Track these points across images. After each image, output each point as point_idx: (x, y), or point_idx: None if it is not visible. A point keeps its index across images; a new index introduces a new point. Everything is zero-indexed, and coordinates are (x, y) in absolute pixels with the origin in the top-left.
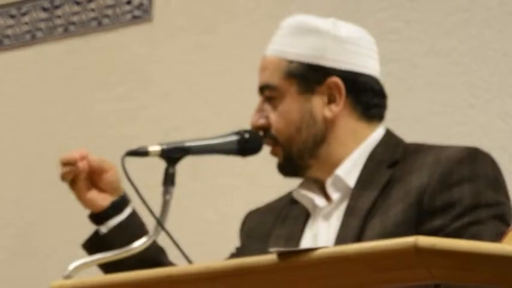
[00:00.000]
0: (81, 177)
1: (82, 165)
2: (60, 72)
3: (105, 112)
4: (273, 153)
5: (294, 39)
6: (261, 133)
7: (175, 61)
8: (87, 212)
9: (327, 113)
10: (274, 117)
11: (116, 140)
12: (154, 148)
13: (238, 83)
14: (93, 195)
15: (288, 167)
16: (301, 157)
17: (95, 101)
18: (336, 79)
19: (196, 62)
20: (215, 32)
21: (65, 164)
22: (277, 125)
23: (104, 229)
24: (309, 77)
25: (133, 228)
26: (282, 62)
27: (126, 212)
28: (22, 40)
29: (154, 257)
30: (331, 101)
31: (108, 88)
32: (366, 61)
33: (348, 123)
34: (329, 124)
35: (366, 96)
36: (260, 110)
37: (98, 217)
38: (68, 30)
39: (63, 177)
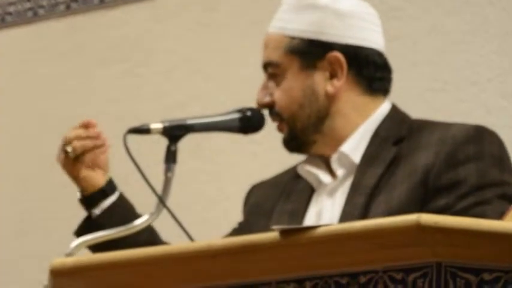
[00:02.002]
0: (92, 152)
1: (102, 140)
2: (62, 49)
3: (107, 89)
4: (279, 129)
5: (294, 15)
6: (263, 111)
7: (178, 38)
8: None
9: (329, 88)
10: (277, 94)
11: (118, 117)
12: (156, 125)
13: (241, 60)
14: (90, 172)
15: (293, 143)
16: (305, 133)
17: (97, 78)
18: (336, 53)
19: (198, 39)
20: (217, 9)
21: (82, 137)
22: (281, 102)
23: (97, 211)
24: (310, 52)
25: (126, 209)
26: (283, 38)
27: (116, 194)
28: (24, 17)
29: (148, 238)
30: (332, 76)
31: (110, 65)
32: (367, 34)
33: (351, 97)
34: (331, 99)
35: (368, 70)
36: (265, 88)
37: (91, 198)
38: (70, 8)
39: (76, 147)
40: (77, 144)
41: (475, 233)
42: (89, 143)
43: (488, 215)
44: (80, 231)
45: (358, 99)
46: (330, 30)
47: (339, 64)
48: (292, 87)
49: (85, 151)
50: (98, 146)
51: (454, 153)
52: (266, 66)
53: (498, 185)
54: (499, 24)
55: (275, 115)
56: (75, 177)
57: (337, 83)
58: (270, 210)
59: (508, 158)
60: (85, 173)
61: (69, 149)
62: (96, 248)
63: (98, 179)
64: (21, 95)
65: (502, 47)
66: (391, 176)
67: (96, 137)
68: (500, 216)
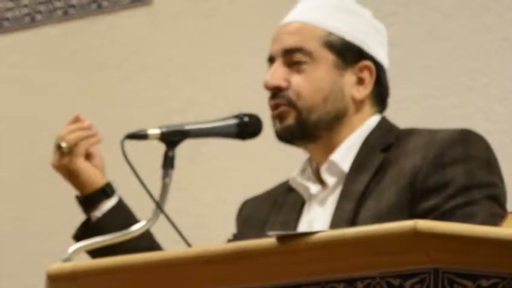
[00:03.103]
0: (86, 145)
1: (94, 131)
2: (59, 55)
3: (104, 95)
4: (282, 114)
5: (336, 14)
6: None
7: (175, 44)
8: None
9: (356, 93)
10: (300, 81)
11: (115, 122)
12: (154, 131)
13: (238, 67)
14: (87, 168)
15: (297, 131)
16: (317, 126)
17: (94, 83)
18: (370, 63)
19: (195, 45)
20: (214, 15)
21: (73, 130)
22: (303, 89)
23: (98, 213)
24: (347, 53)
25: (126, 213)
26: (320, 30)
27: (116, 197)
28: (21, 23)
29: (147, 243)
30: (359, 83)
31: (107, 71)
32: (385, 55)
33: (366, 109)
34: (355, 104)
35: (382, 89)
36: (278, 71)
37: (91, 197)
38: (68, 13)
39: (69, 140)
40: (70, 136)
41: (472, 239)
42: (81, 134)
43: (476, 215)
44: (79, 235)
45: (368, 112)
46: (369, 42)
47: (369, 73)
48: (323, 79)
49: (78, 141)
50: (90, 135)
51: (441, 156)
52: (291, 51)
53: (486, 186)
54: (495, 29)
55: (285, 100)
56: (72, 174)
57: (364, 91)
58: (263, 222)
59: (495, 160)
60: (82, 165)
61: (63, 144)
62: (94, 253)
63: (96, 177)
64: (18, 100)
65: (498, 52)
66: (379, 181)
67: (88, 127)
68: (489, 216)
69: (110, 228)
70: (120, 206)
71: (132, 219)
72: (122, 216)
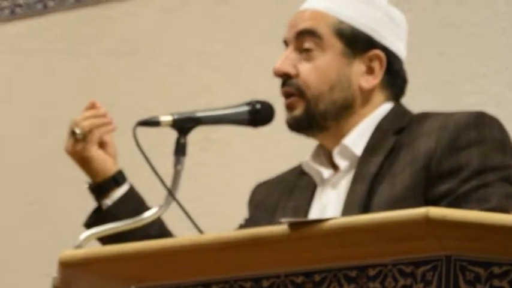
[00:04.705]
0: (101, 132)
1: (109, 118)
2: (71, 41)
3: (116, 82)
4: (291, 104)
5: (348, 2)
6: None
7: (187, 31)
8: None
9: (364, 82)
10: (307, 69)
11: (127, 109)
12: (166, 118)
13: (250, 53)
14: (100, 155)
15: (305, 122)
16: (324, 116)
17: (106, 70)
18: (380, 52)
19: (208, 31)
20: (227, 1)
21: (88, 117)
22: (310, 78)
23: (108, 201)
24: (357, 42)
25: (137, 201)
26: (333, 18)
27: (128, 185)
28: (34, 9)
29: (159, 230)
30: (368, 72)
31: (120, 58)
32: (402, 45)
33: (376, 98)
34: (363, 94)
35: (397, 79)
36: (288, 58)
37: (102, 185)
38: (80, 0)
39: (84, 127)
40: (85, 123)
41: (484, 226)
42: (96, 121)
43: (490, 197)
44: (90, 223)
45: (379, 100)
46: (381, 31)
47: (379, 62)
48: (329, 67)
49: (93, 128)
50: (105, 123)
51: (456, 139)
52: (303, 34)
53: (500, 168)
54: (509, 16)
55: (294, 88)
56: (85, 161)
57: (373, 80)
58: (274, 207)
59: (509, 141)
60: (95, 153)
61: (77, 130)
62: (105, 240)
63: (108, 164)
64: (30, 87)
65: (511, 40)
66: (392, 164)
67: (103, 115)
68: (503, 198)
69: (121, 216)
70: (131, 194)
71: (143, 207)
72: (133, 204)
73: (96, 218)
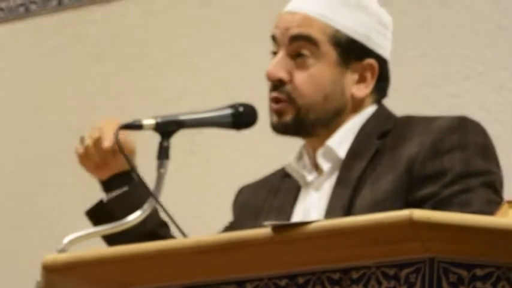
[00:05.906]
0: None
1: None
2: (54, 45)
3: (99, 84)
4: (280, 110)
5: (343, 10)
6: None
7: (171, 33)
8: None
9: (356, 91)
10: (302, 78)
11: (111, 112)
12: (149, 121)
13: (234, 56)
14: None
15: (293, 128)
16: (314, 125)
17: (90, 73)
18: (373, 62)
19: (192, 34)
20: (211, 4)
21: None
22: (304, 87)
23: (107, 197)
24: (351, 52)
25: (134, 201)
26: (329, 27)
27: (131, 185)
28: (16, 13)
29: (153, 230)
30: (360, 80)
31: (103, 61)
32: (388, 47)
33: (366, 104)
34: (353, 101)
35: (385, 83)
36: (280, 63)
37: (107, 183)
38: (62, 3)
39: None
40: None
41: (467, 228)
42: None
43: (472, 202)
44: (90, 213)
45: (367, 105)
46: (375, 39)
47: (371, 72)
48: (324, 77)
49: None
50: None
51: (439, 143)
52: (298, 39)
53: (482, 173)
54: (491, 18)
55: (285, 95)
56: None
57: (365, 89)
58: (259, 209)
59: (492, 147)
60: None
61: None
62: (104, 235)
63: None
64: (13, 90)
65: (494, 41)
66: (375, 168)
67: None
68: (485, 204)
69: (115, 215)
70: (130, 193)
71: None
72: (129, 204)
73: (95, 211)
